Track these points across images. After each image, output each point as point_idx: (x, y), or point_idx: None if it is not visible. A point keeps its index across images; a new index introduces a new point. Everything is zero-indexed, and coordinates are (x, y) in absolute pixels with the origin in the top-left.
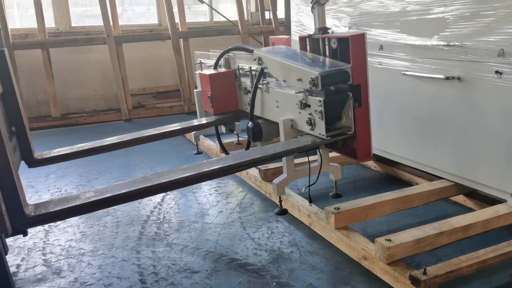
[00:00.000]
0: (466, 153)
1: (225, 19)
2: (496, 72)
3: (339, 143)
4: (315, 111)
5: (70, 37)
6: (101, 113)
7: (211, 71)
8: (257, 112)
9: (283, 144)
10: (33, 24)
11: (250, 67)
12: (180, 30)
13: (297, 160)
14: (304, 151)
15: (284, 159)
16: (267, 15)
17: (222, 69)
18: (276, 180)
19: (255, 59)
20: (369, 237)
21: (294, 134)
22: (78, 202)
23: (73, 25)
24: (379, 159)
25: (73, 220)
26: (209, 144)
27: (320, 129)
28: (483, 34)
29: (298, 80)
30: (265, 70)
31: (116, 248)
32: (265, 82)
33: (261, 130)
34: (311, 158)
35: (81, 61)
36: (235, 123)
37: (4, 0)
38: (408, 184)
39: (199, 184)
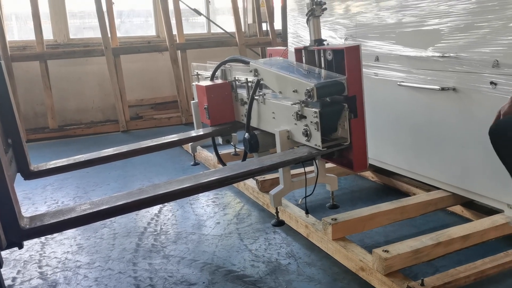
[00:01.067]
0: (463, 163)
1: (223, 31)
2: (491, 83)
3: (335, 154)
4: (311, 122)
5: (68, 49)
6: (99, 124)
7: (207, 82)
8: (253, 123)
9: (280, 155)
10: (31, 36)
11: (247, 79)
12: (177, 41)
13: (293, 171)
14: (300, 162)
15: (280, 170)
16: (264, 26)
17: (219, 81)
18: (273, 191)
19: (251, 71)
20: (367, 248)
21: (290, 145)
22: (73, 215)
23: (71, 37)
24: (377, 170)
25: (70, 232)
26: (207, 155)
27: (316, 140)
28: (477, 45)
29: (294, 91)
30: (261, 82)
31: (112, 261)
32: (261, 93)
33: (258, 141)
34: (308, 169)
35: (79, 72)
36: (232, 134)
37: (3, 12)
38: (406, 194)
39: (196, 195)
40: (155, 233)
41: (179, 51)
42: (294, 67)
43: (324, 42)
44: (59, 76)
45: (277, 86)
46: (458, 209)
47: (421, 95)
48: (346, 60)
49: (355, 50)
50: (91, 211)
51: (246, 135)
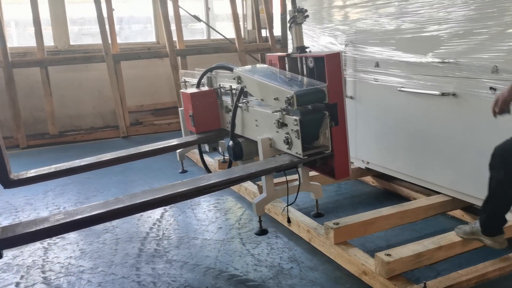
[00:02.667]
0: (463, 167)
1: (222, 37)
2: (490, 88)
3: (318, 162)
4: (292, 130)
5: (68, 55)
6: (99, 130)
7: (193, 90)
8: (238, 130)
9: (261, 164)
10: (31, 42)
11: (231, 86)
12: (178, 48)
13: (279, 179)
14: (282, 171)
15: (263, 178)
16: (264, 33)
17: (205, 88)
18: (256, 200)
19: (234, 78)
20: (369, 252)
21: (272, 153)
22: (46, 225)
23: (71, 43)
24: (377, 175)
25: (72, 237)
26: (208, 160)
27: (297, 149)
28: (477, 51)
29: (274, 99)
30: (245, 89)
31: (115, 265)
32: (244, 101)
33: (242, 149)
34: (296, 176)
35: (79, 78)
36: (219, 141)
37: (3, 19)
38: (406, 199)
39: (197, 200)
40: (158, 238)
41: (179, 57)
42: (277, 75)
43: (307, 49)
44: (59, 82)
45: (259, 93)
46: (458, 213)
47: (421, 101)
48: (326, 67)
49: (335, 58)
50: (64, 221)
51: (230, 143)
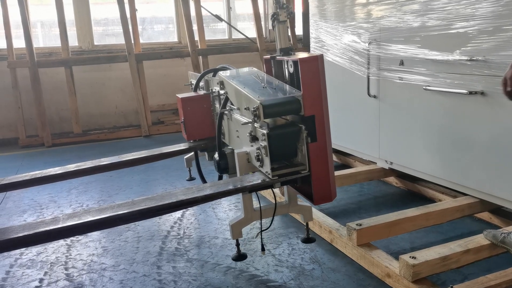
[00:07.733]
0: (491, 168)
1: (244, 36)
2: None
3: (299, 182)
4: (261, 145)
5: (92, 55)
6: (122, 129)
7: (187, 94)
8: (227, 140)
9: (234, 181)
10: (56, 43)
11: (218, 91)
12: (199, 47)
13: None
14: (246, 192)
15: (241, 197)
16: None
17: (201, 92)
18: (232, 221)
19: (217, 83)
20: (392, 254)
21: (250, 169)
22: None
23: (95, 43)
24: (401, 175)
25: (95, 235)
26: None
27: (267, 167)
28: (506, 48)
29: (245, 109)
30: (227, 95)
31: (137, 263)
32: (228, 108)
33: (227, 162)
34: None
35: (102, 78)
36: None
37: (30, 20)
38: (431, 200)
39: (219, 199)
40: (178, 236)
41: (200, 56)
42: (257, 80)
43: (291, 52)
44: (83, 81)
45: (236, 101)
46: (486, 215)
47: (448, 99)
48: (301, 74)
49: (312, 62)
50: None
51: (216, 154)
